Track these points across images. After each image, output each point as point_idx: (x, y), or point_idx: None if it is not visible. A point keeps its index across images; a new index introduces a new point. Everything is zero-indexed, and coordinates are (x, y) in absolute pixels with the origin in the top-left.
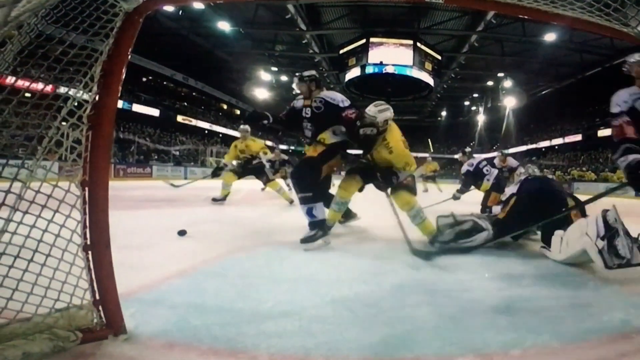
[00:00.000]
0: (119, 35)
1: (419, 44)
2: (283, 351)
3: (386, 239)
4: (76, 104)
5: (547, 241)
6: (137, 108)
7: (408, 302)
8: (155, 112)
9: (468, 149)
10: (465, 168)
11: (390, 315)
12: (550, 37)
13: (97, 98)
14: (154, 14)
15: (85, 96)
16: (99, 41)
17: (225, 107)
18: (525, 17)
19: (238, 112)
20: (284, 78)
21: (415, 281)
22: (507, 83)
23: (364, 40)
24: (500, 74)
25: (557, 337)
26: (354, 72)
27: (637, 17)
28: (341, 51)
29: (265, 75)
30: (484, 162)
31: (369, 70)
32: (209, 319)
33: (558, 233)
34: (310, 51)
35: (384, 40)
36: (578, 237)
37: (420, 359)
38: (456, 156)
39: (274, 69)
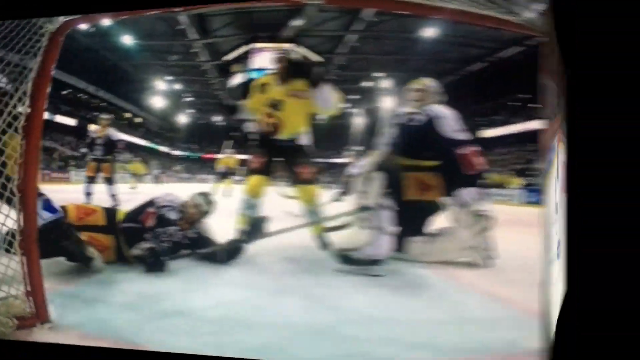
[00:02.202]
0: (45, 53)
1: (298, 48)
2: None
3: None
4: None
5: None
6: (59, 119)
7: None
8: (73, 122)
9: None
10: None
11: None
12: (430, 32)
13: (29, 110)
14: (72, 32)
15: (20, 109)
16: (30, 59)
17: (130, 116)
18: (406, 12)
19: (140, 120)
20: (177, 87)
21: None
22: (385, 83)
23: (247, 47)
24: (379, 74)
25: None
26: (237, 79)
27: (521, 3)
28: (225, 58)
29: (160, 85)
30: None
31: (252, 75)
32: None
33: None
34: (197, 60)
35: (265, 45)
36: (458, 248)
37: None
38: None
39: (169, 78)
